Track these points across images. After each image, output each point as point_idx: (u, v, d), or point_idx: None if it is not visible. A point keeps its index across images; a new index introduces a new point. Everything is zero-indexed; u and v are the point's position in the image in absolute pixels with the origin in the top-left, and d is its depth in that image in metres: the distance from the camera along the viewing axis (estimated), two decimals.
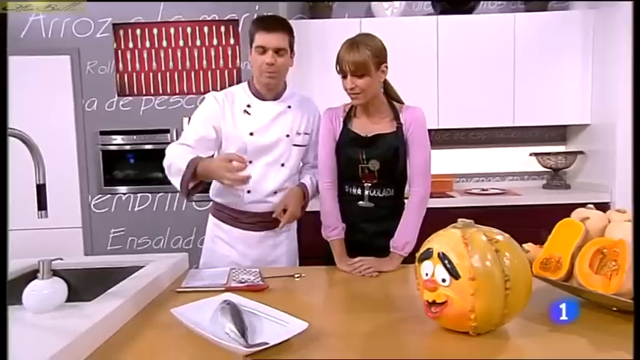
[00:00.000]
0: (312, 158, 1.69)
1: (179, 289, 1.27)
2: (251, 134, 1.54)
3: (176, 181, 1.48)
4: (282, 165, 1.58)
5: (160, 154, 2.76)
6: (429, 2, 3.12)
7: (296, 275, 1.39)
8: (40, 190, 1.12)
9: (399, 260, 1.43)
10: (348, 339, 0.94)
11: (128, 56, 2.73)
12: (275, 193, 1.59)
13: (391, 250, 1.43)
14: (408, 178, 1.49)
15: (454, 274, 0.88)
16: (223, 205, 1.63)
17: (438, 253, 0.91)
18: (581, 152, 3.05)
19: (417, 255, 0.98)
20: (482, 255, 0.87)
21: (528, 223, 2.29)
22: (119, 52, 2.73)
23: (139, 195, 2.80)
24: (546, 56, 2.94)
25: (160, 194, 2.80)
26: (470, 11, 3.01)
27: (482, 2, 3.08)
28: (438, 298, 0.90)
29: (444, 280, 0.90)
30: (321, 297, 1.25)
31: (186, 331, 0.95)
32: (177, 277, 1.39)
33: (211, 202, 1.70)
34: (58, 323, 0.89)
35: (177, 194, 2.77)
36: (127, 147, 2.77)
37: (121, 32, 2.72)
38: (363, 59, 1.35)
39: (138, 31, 2.72)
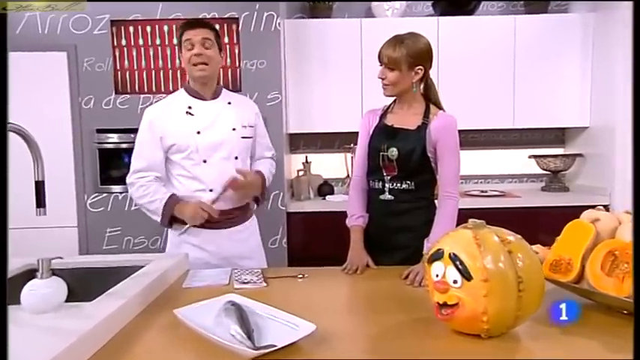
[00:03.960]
0: (263, 151, 1.79)
1: (185, 286, 1.26)
2: (198, 133, 1.57)
3: (152, 217, 1.63)
4: (236, 158, 1.63)
5: None
6: (430, 3, 3.11)
7: (299, 276, 1.37)
8: (39, 186, 1.09)
9: None
10: (357, 341, 0.92)
11: (126, 53, 2.69)
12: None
13: (426, 252, 1.40)
14: (438, 184, 1.51)
15: (466, 275, 0.86)
16: None
17: (450, 254, 0.89)
18: (579, 155, 3.06)
19: (427, 256, 0.96)
20: (495, 256, 0.86)
21: (527, 226, 2.29)
22: (117, 49, 2.69)
23: None
24: (546, 58, 2.94)
25: None
26: (470, 13, 3.01)
27: (482, 4, 3.08)
28: (450, 299, 0.88)
29: (455, 282, 0.88)
30: (326, 297, 1.23)
31: (190, 331, 0.92)
32: (178, 277, 1.36)
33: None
34: (58, 324, 0.87)
35: None
36: (124, 145, 2.73)
37: (120, 29, 2.69)
38: (396, 56, 1.42)
39: (136, 29, 2.69)
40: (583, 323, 0.97)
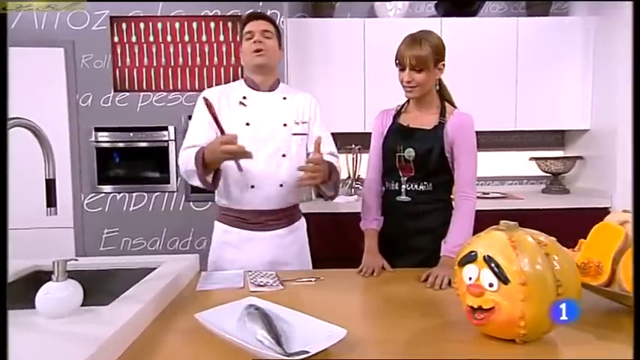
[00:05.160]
0: (324, 148, 1.59)
1: (199, 289, 1.22)
2: (247, 124, 1.50)
3: (197, 181, 1.44)
4: (284, 156, 1.53)
5: (157, 152, 2.70)
6: (432, 4, 3.10)
7: (313, 278, 1.33)
8: (50, 185, 1.04)
9: (452, 263, 1.36)
10: (388, 346, 0.89)
11: (126, 50, 2.64)
12: (281, 185, 1.54)
13: (446, 254, 1.37)
14: (455, 183, 1.48)
15: (503, 278, 0.84)
16: (229, 207, 1.57)
17: (484, 257, 0.87)
18: (580, 157, 3.07)
19: (458, 258, 0.94)
20: (532, 258, 0.83)
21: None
22: (116, 46, 2.63)
23: (134, 194, 2.70)
24: (548, 60, 2.96)
25: (157, 193, 2.71)
26: (473, 14, 3.00)
27: (484, 5, 3.08)
28: (485, 303, 0.85)
29: (491, 285, 0.85)
30: (346, 301, 1.20)
31: (211, 336, 0.89)
32: (191, 280, 1.32)
33: (218, 208, 1.64)
34: (77, 329, 0.82)
35: (175, 194, 2.70)
36: (123, 144, 2.67)
37: (119, 25, 2.63)
38: (425, 54, 1.38)
39: (137, 25, 2.63)
40: (617, 328, 0.95)
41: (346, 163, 3.19)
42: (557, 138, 3.32)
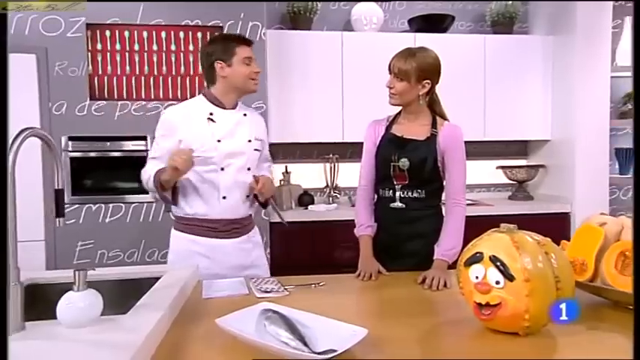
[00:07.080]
0: (263, 161, 1.79)
1: (206, 297, 1.24)
2: (219, 141, 1.59)
3: (154, 195, 1.59)
4: (249, 169, 1.64)
5: (135, 162, 2.65)
6: (406, 20, 3.24)
7: (313, 284, 1.37)
8: (59, 195, 1.03)
9: (446, 266, 1.45)
10: (405, 344, 0.94)
11: (107, 58, 2.59)
12: (247, 197, 1.65)
13: (439, 257, 1.45)
14: (446, 191, 1.57)
15: (508, 276, 0.91)
16: (197, 218, 1.62)
17: (490, 256, 0.94)
18: (542, 166, 3.28)
19: (463, 259, 1.01)
20: (533, 257, 0.92)
21: None
22: (95, 54, 2.58)
23: (110, 205, 2.63)
24: (512, 75, 3.16)
25: (134, 204, 2.65)
26: (444, 30, 3.16)
27: (454, 22, 3.25)
28: (492, 300, 0.93)
29: (497, 283, 0.93)
30: (352, 303, 1.25)
31: (233, 341, 0.91)
32: (194, 288, 1.32)
33: (176, 219, 1.70)
34: (104, 338, 0.82)
35: (153, 204, 2.65)
36: (99, 154, 2.61)
37: (95, 33, 2.58)
38: (406, 68, 1.47)
39: (115, 33, 2.59)
40: (602, 319, 1.06)
41: (324, 172, 3.25)
42: (521, 148, 3.53)
